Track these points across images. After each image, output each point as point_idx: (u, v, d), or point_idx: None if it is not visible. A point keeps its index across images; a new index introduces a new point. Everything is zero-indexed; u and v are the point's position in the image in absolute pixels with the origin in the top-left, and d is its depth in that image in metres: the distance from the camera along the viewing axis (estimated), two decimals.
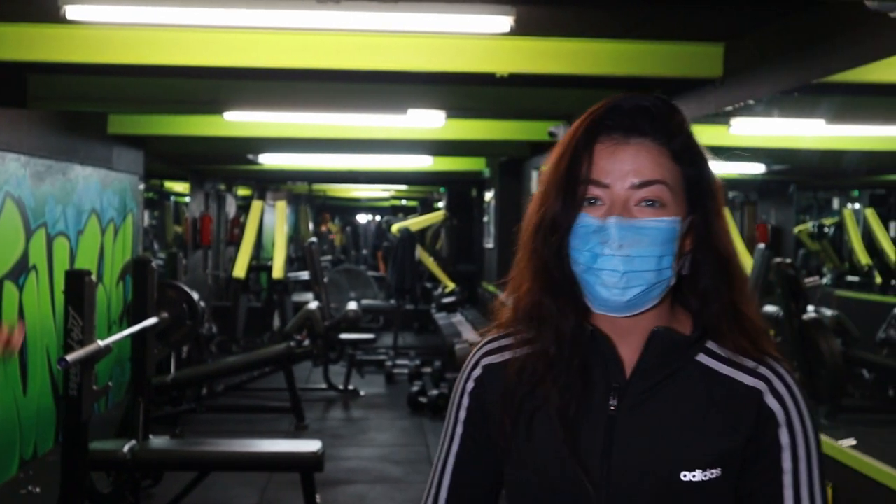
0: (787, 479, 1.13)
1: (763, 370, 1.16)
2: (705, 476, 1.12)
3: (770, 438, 1.14)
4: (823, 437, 3.34)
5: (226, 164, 10.52)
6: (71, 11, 3.48)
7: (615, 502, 1.13)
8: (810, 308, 4.82)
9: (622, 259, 1.10)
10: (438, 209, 14.26)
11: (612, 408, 1.15)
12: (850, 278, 6.59)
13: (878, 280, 6.08)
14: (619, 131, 1.14)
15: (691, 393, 1.15)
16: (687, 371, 1.16)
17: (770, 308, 5.35)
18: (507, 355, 1.23)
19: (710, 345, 1.18)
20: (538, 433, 1.18)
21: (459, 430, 1.26)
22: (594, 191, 1.13)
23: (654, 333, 1.16)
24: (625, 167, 1.12)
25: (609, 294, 1.12)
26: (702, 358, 1.17)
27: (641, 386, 1.16)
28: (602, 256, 1.11)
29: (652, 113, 1.14)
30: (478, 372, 1.26)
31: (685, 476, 1.12)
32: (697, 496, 1.12)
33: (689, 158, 1.16)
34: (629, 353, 1.17)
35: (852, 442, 3.23)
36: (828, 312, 5.15)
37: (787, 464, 1.14)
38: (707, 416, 1.14)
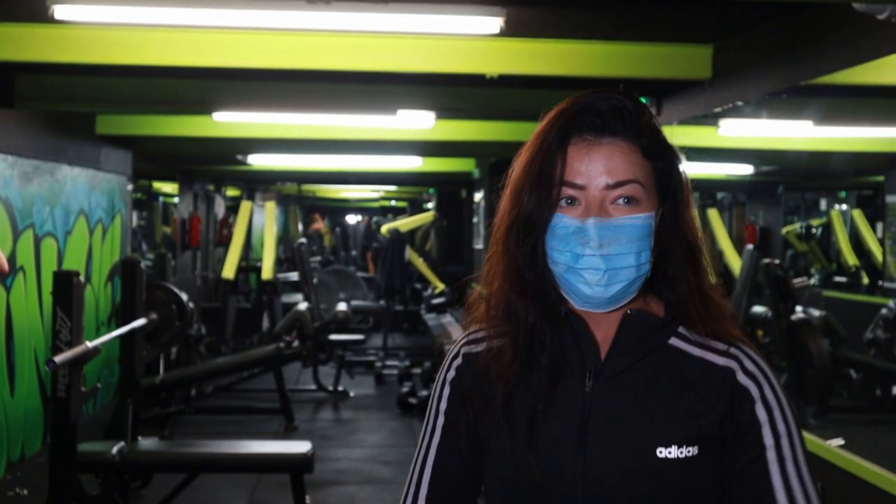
0: (771, 455, 1.15)
1: (733, 350, 1.20)
2: (681, 453, 1.14)
3: (747, 415, 1.16)
4: (812, 437, 3.34)
5: (214, 164, 10.48)
6: (59, 11, 3.46)
7: (593, 483, 1.14)
8: (798, 308, 4.84)
9: (603, 258, 1.13)
10: (428, 210, 14.25)
11: (588, 389, 1.18)
12: (838, 279, 6.63)
13: (866, 280, 6.10)
14: (590, 131, 1.16)
15: (665, 373, 1.18)
16: (660, 353, 1.19)
17: (758, 308, 5.37)
18: (482, 346, 1.25)
19: (682, 329, 1.21)
20: (511, 428, 1.19)
21: (441, 420, 1.27)
22: (569, 192, 1.15)
23: (628, 315, 1.18)
24: (599, 168, 1.15)
25: (592, 291, 1.14)
26: (674, 341, 1.20)
27: (616, 367, 1.18)
28: (584, 257, 1.13)
29: (621, 112, 1.16)
30: (458, 361, 1.27)
31: (661, 452, 1.13)
32: (674, 474, 1.14)
33: (659, 154, 1.18)
34: (604, 336, 1.20)
35: (840, 442, 3.24)
36: (816, 313, 5.17)
37: (768, 439, 1.16)
38: (682, 395, 1.17)
